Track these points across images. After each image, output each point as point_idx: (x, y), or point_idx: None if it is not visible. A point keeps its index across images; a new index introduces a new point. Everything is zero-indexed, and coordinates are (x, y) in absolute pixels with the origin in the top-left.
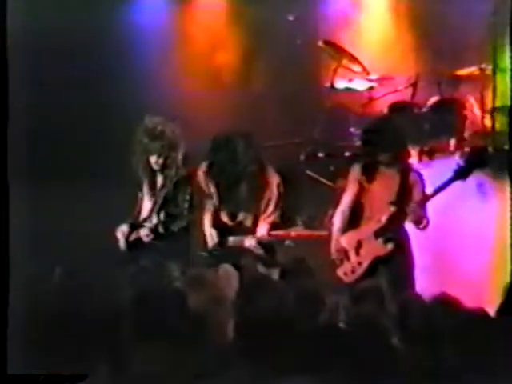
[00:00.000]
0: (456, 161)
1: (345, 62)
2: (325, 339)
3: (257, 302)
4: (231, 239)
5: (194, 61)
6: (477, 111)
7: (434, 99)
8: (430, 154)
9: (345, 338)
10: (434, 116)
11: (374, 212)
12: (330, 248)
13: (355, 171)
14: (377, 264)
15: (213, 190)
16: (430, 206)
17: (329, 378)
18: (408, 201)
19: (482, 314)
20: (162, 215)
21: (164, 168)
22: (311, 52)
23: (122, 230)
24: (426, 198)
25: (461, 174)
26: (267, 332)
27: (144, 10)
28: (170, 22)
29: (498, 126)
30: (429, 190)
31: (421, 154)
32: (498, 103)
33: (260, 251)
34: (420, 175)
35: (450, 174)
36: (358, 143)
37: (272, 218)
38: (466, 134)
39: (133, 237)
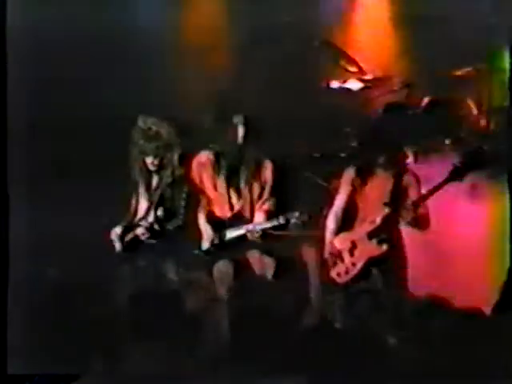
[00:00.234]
0: (451, 161)
1: (341, 62)
2: (319, 339)
3: (251, 301)
4: (228, 233)
5: (190, 61)
6: (473, 111)
7: (429, 99)
8: (425, 154)
9: (339, 338)
10: (429, 116)
11: (368, 213)
12: (324, 249)
13: (349, 173)
14: (370, 265)
15: (211, 179)
16: (425, 206)
17: (324, 378)
18: (402, 202)
19: (476, 313)
20: (158, 214)
21: (160, 169)
22: (307, 52)
23: (116, 232)
24: (422, 198)
25: (456, 174)
26: (261, 331)
27: (142, 10)
28: (167, 22)
29: (493, 126)
30: (424, 191)
31: (416, 154)
32: (494, 103)
33: (258, 234)
34: (415, 176)
35: (445, 175)
36: (354, 144)
37: (267, 206)
38: (462, 135)
39: (129, 237)
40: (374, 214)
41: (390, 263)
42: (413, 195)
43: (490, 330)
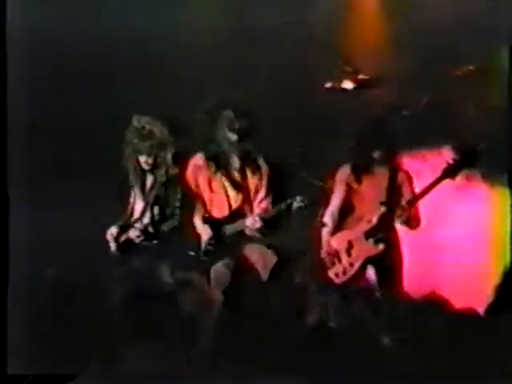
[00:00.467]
0: (445, 160)
1: (337, 62)
2: (317, 340)
3: (248, 302)
4: (228, 228)
5: (186, 60)
6: (469, 111)
7: (425, 99)
8: (420, 153)
9: (337, 338)
10: (425, 116)
11: (365, 212)
12: (321, 249)
13: (344, 172)
14: (367, 264)
15: (208, 179)
16: (420, 205)
17: (323, 379)
18: (398, 200)
19: (471, 313)
20: (153, 215)
21: (154, 168)
22: (303, 52)
23: (111, 233)
24: (416, 197)
25: (450, 172)
26: (259, 332)
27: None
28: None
29: (489, 125)
30: (418, 189)
31: (411, 153)
32: (491, 103)
33: (260, 224)
34: (408, 174)
35: (439, 173)
36: (350, 143)
37: (265, 204)
38: (458, 134)
39: (123, 238)
40: (370, 212)
41: (386, 263)
42: (406, 193)
43: (486, 330)
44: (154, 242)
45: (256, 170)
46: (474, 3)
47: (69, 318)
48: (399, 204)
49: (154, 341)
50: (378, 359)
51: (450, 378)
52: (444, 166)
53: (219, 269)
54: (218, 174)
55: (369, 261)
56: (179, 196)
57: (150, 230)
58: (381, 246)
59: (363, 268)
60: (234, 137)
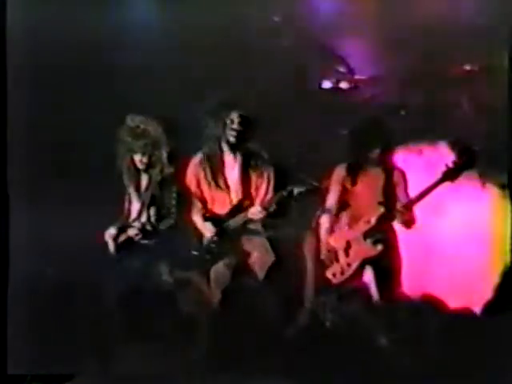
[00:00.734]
0: (445, 162)
1: (332, 62)
2: (312, 340)
3: (246, 302)
4: (232, 221)
5: (181, 60)
6: (466, 111)
7: (422, 99)
8: (418, 154)
9: (332, 338)
10: (422, 116)
11: (362, 212)
12: (318, 249)
13: (339, 172)
14: (365, 264)
15: (210, 177)
16: (419, 206)
17: (321, 379)
18: (394, 200)
19: (468, 313)
20: (150, 215)
21: (149, 167)
22: (297, 52)
23: (109, 233)
24: (416, 199)
25: (450, 174)
26: (256, 332)
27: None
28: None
29: (487, 126)
30: (418, 191)
31: (408, 148)
32: (488, 103)
33: (263, 214)
34: (404, 173)
35: (438, 175)
36: (346, 143)
37: (266, 196)
38: (456, 135)
39: (122, 238)
40: (368, 213)
41: (384, 263)
42: (402, 193)
43: (484, 330)
44: (152, 240)
45: (257, 166)
46: (473, 3)
47: (68, 318)
48: (398, 205)
49: (152, 341)
50: (377, 359)
51: (448, 378)
52: (444, 168)
53: (219, 269)
54: (219, 172)
55: (367, 261)
56: (175, 195)
57: (149, 227)
58: (379, 247)
59: (361, 268)
60: (234, 134)
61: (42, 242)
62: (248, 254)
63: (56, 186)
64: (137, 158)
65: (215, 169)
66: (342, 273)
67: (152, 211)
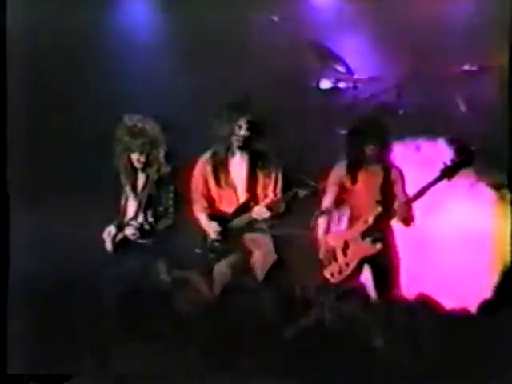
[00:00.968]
0: (442, 160)
1: (330, 62)
2: (310, 339)
3: (244, 302)
4: (235, 222)
5: (178, 61)
6: (463, 111)
7: (419, 99)
8: (416, 150)
9: (330, 338)
10: (419, 116)
11: (360, 212)
12: (317, 249)
13: (337, 171)
14: (363, 264)
15: (217, 176)
16: (416, 204)
17: (318, 379)
18: (392, 199)
19: (464, 313)
20: (147, 214)
21: (146, 166)
22: (296, 52)
23: (108, 231)
24: (413, 197)
25: (447, 173)
26: (253, 332)
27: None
28: (155, 23)
29: (486, 125)
30: (416, 190)
31: (405, 144)
32: (485, 103)
33: (267, 214)
34: (401, 172)
35: (436, 174)
36: (344, 142)
37: (273, 196)
38: (453, 134)
39: (119, 237)
40: (366, 212)
41: (382, 263)
42: (400, 191)
43: (482, 330)
44: (150, 240)
45: (265, 166)
46: (473, 2)
47: (67, 317)
48: (396, 203)
49: (151, 340)
50: (374, 359)
51: (447, 378)
52: (441, 167)
53: (222, 269)
54: (227, 171)
55: (365, 260)
56: (172, 195)
57: (146, 226)
58: (377, 246)
59: (359, 268)
60: (241, 140)
61: (42, 242)
62: (250, 253)
63: (56, 186)
64: (134, 156)
65: (223, 168)
66: (340, 272)
67: (149, 211)
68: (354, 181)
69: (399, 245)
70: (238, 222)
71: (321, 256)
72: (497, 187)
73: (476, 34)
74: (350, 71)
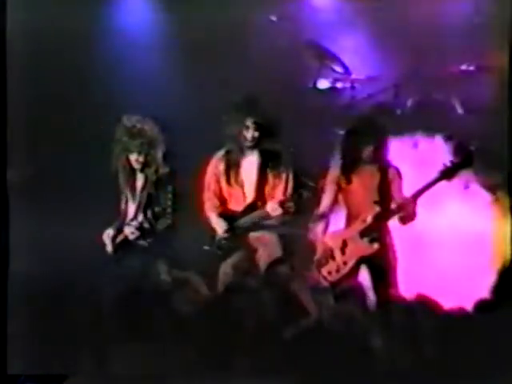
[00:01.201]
0: (441, 157)
1: (327, 62)
2: (309, 339)
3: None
4: (242, 220)
5: (176, 61)
6: (461, 111)
7: (417, 99)
8: (413, 150)
9: (328, 337)
10: (417, 116)
11: (359, 211)
12: (315, 247)
13: (334, 171)
14: (361, 263)
15: (228, 175)
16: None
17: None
18: (390, 199)
19: (462, 313)
20: (147, 215)
21: (145, 166)
22: (294, 52)
23: (107, 233)
24: (412, 197)
25: (446, 174)
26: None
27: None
28: (154, 23)
29: (482, 126)
30: (414, 190)
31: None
32: (483, 103)
33: (279, 211)
34: (398, 171)
35: (435, 174)
36: (341, 142)
37: (284, 195)
38: (451, 135)
39: (119, 238)
40: (364, 212)
41: (380, 262)
42: (396, 191)
43: (481, 330)
44: (150, 240)
45: (275, 166)
46: (472, 2)
47: (67, 318)
48: (393, 203)
49: (150, 341)
50: (373, 359)
51: (445, 378)
52: (441, 167)
53: (227, 269)
54: (237, 170)
55: (362, 260)
56: (170, 196)
57: (146, 225)
58: (375, 246)
59: (356, 267)
60: (250, 140)
61: (42, 242)
62: (256, 251)
63: (56, 186)
64: (132, 157)
65: (235, 166)
66: (338, 271)
67: (148, 211)
68: (349, 181)
69: (397, 244)
70: (245, 220)
71: (318, 255)
72: (495, 187)
73: (475, 34)
74: (347, 71)
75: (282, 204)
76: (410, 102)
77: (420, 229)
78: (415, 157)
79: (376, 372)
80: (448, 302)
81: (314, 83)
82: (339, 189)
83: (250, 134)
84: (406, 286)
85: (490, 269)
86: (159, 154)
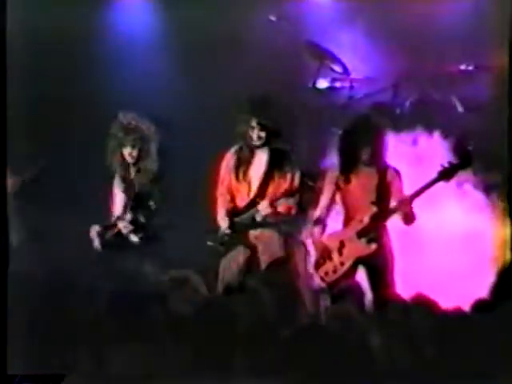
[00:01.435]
0: (440, 159)
1: (326, 62)
2: (306, 339)
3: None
4: (240, 217)
5: (174, 60)
6: (459, 111)
7: (415, 99)
8: (412, 148)
9: (327, 337)
10: (416, 116)
11: (357, 212)
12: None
13: (332, 172)
14: (358, 264)
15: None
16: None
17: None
18: (388, 199)
19: (460, 313)
20: (139, 211)
21: (138, 161)
22: (293, 52)
23: (94, 229)
24: (410, 198)
25: (445, 174)
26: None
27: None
28: (152, 23)
29: (480, 125)
30: (412, 190)
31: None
32: (482, 103)
33: (268, 210)
34: (397, 172)
35: (434, 175)
36: (340, 142)
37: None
38: (449, 135)
39: (110, 234)
40: (362, 212)
41: (378, 262)
42: (395, 192)
43: (480, 330)
44: (142, 236)
45: (283, 166)
46: (472, 2)
47: (67, 318)
48: (392, 204)
49: (148, 340)
50: (371, 359)
51: (443, 377)
52: (439, 168)
53: (226, 265)
54: (246, 166)
55: (360, 260)
56: (163, 192)
57: (141, 219)
58: (373, 246)
59: (354, 267)
60: (256, 140)
61: (42, 242)
62: (255, 248)
63: (55, 186)
64: (126, 151)
65: (245, 163)
66: (335, 271)
67: (141, 207)
68: (347, 181)
69: (395, 245)
70: (242, 217)
71: (315, 255)
72: (494, 187)
73: (475, 34)
74: (346, 71)
75: (271, 203)
76: (408, 102)
77: (417, 229)
78: (414, 154)
79: (374, 372)
80: (446, 302)
81: (313, 83)
82: (338, 189)
83: (255, 134)
84: (404, 286)
85: (488, 269)
86: (153, 150)
